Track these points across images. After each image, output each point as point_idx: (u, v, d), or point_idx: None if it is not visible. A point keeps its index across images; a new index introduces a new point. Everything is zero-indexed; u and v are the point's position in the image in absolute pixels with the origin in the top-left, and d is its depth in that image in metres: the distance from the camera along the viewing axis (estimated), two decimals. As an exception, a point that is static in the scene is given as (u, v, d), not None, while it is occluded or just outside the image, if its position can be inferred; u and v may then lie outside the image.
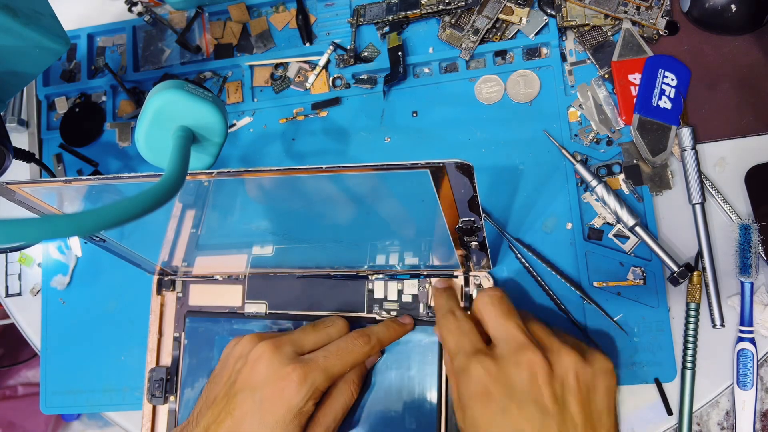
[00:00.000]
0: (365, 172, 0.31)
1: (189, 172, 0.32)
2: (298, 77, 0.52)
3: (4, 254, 0.55)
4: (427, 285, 0.45)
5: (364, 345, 0.41)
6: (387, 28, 0.50)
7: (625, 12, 0.47)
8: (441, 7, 0.49)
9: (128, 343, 0.50)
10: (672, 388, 0.43)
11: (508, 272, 0.46)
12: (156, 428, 0.47)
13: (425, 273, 0.45)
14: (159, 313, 0.48)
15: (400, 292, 0.45)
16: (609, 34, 0.48)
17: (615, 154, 0.46)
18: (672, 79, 0.46)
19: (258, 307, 0.47)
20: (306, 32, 0.52)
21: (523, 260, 0.45)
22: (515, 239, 0.46)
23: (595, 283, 0.44)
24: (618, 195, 0.44)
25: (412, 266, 0.45)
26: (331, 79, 0.51)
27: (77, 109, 0.55)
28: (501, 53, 0.49)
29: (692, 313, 0.43)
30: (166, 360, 0.48)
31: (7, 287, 0.54)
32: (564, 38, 0.49)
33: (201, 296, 0.48)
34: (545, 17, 0.48)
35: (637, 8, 0.47)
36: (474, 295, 0.45)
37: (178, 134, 0.36)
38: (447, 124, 0.49)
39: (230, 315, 0.47)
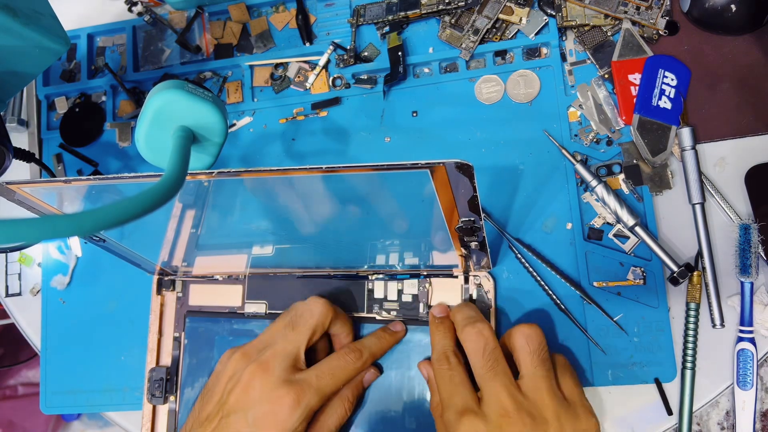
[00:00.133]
0: (365, 172, 0.31)
1: (189, 172, 0.32)
2: (298, 77, 0.52)
3: (4, 254, 0.55)
4: (427, 285, 0.45)
5: (356, 361, 0.41)
6: (387, 28, 0.50)
7: (625, 12, 0.47)
8: (441, 7, 0.49)
9: (128, 343, 0.50)
10: (672, 388, 0.43)
11: (508, 272, 0.46)
12: (156, 428, 0.47)
13: (425, 273, 0.45)
14: (159, 313, 0.48)
15: (400, 292, 0.45)
16: (609, 34, 0.48)
17: (615, 154, 0.46)
18: (672, 79, 0.46)
19: (258, 307, 0.47)
20: (306, 32, 0.52)
21: (523, 260, 0.45)
22: (515, 239, 0.46)
23: (595, 283, 0.44)
24: (618, 195, 0.44)
25: (412, 266, 0.45)
26: (331, 79, 0.51)
27: (77, 109, 0.55)
28: (501, 53, 0.49)
29: (692, 313, 0.43)
30: (166, 360, 0.48)
31: (7, 287, 0.54)
32: (564, 38, 0.49)
33: (201, 296, 0.48)
34: (545, 17, 0.48)
35: (637, 8, 0.47)
36: (474, 295, 0.45)
37: (178, 134, 0.35)
38: (447, 124, 0.49)
39: (230, 315, 0.47)
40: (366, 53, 0.51)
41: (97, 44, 0.57)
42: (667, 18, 0.47)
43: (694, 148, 0.44)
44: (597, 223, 0.45)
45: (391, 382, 0.44)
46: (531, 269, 0.45)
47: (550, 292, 0.45)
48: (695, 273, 0.43)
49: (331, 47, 0.51)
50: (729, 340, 0.44)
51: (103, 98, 0.55)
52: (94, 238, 0.42)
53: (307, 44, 0.52)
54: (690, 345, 0.43)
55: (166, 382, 0.47)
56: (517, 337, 0.38)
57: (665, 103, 0.45)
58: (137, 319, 0.50)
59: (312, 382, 0.39)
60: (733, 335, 0.44)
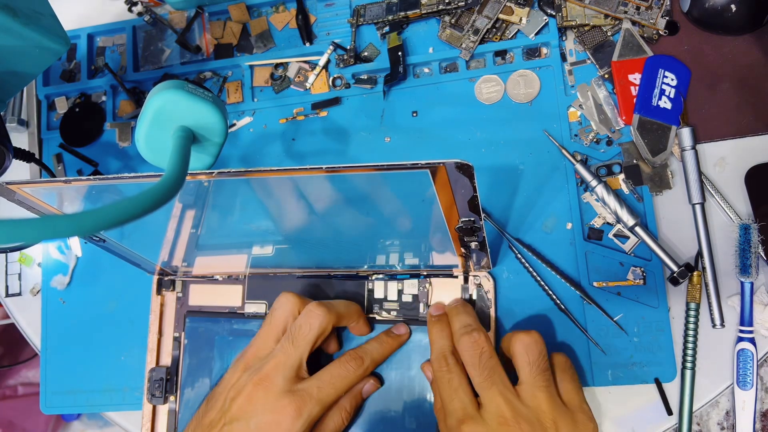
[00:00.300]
0: (365, 172, 0.31)
1: (189, 172, 0.32)
2: (298, 77, 0.52)
3: (4, 254, 0.55)
4: (427, 285, 0.45)
5: (357, 368, 0.41)
6: (387, 28, 0.50)
7: (625, 12, 0.47)
8: (441, 7, 0.49)
9: (128, 343, 0.50)
10: (672, 388, 0.43)
11: (508, 272, 0.46)
12: (156, 428, 0.47)
13: (425, 273, 0.45)
14: (159, 313, 0.48)
15: (400, 292, 0.45)
16: (609, 34, 0.48)
17: (615, 154, 0.46)
18: (672, 79, 0.46)
19: (258, 307, 0.47)
20: (306, 32, 0.52)
21: (523, 260, 0.45)
22: (515, 239, 0.46)
23: (595, 283, 0.44)
24: (618, 195, 0.44)
25: (412, 266, 0.45)
26: (331, 79, 0.51)
27: (77, 109, 0.55)
28: (501, 53, 0.49)
29: (692, 313, 0.43)
30: (166, 360, 0.48)
31: (7, 287, 0.54)
32: (564, 38, 0.49)
33: (201, 296, 0.48)
34: (545, 17, 0.48)
35: (637, 8, 0.47)
36: (474, 295, 0.45)
37: (178, 134, 0.35)
38: (447, 124, 0.49)
39: (230, 315, 0.47)
40: (366, 53, 0.51)
41: (97, 44, 0.57)
42: (667, 18, 0.47)
43: (694, 148, 0.44)
44: (597, 223, 0.45)
45: (391, 382, 0.44)
46: (531, 269, 0.45)
47: (550, 292, 0.45)
48: (695, 273, 0.43)
49: (331, 47, 0.51)
50: (729, 340, 0.44)
51: (103, 98, 0.55)
52: (94, 238, 0.42)
53: (307, 44, 0.52)
54: (690, 345, 0.43)
55: (166, 382, 0.47)
56: (516, 345, 0.38)
57: (665, 103, 0.45)
58: (137, 319, 0.50)
59: (313, 392, 0.39)
60: (733, 335, 0.44)
